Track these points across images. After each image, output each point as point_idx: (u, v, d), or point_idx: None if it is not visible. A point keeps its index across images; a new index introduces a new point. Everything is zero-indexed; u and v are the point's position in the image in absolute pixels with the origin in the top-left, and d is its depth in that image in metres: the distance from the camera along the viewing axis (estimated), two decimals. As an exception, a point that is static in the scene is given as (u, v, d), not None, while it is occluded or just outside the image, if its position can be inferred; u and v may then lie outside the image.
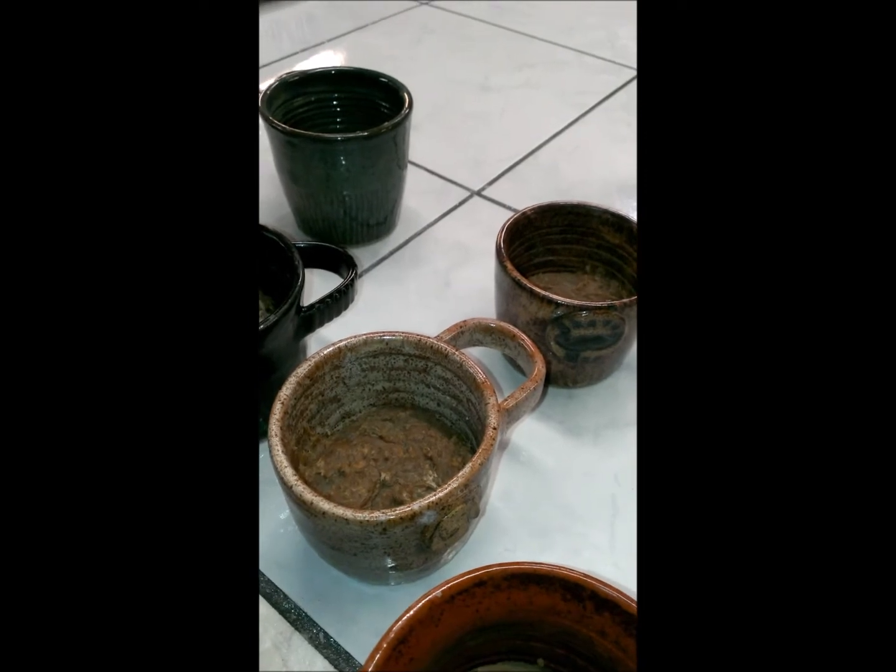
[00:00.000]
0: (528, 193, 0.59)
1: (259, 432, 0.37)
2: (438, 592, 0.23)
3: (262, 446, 0.38)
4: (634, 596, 0.23)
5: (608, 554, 0.34)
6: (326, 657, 0.30)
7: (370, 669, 0.21)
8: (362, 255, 0.52)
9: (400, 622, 0.22)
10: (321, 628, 0.31)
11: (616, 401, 0.42)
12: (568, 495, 0.37)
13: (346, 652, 0.31)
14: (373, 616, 0.32)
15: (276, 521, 0.35)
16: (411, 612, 0.22)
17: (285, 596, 0.32)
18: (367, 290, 0.49)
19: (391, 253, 0.53)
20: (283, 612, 0.32)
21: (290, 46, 0.83)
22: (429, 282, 0.50)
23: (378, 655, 0.22)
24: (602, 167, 0.62)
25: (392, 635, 0.22)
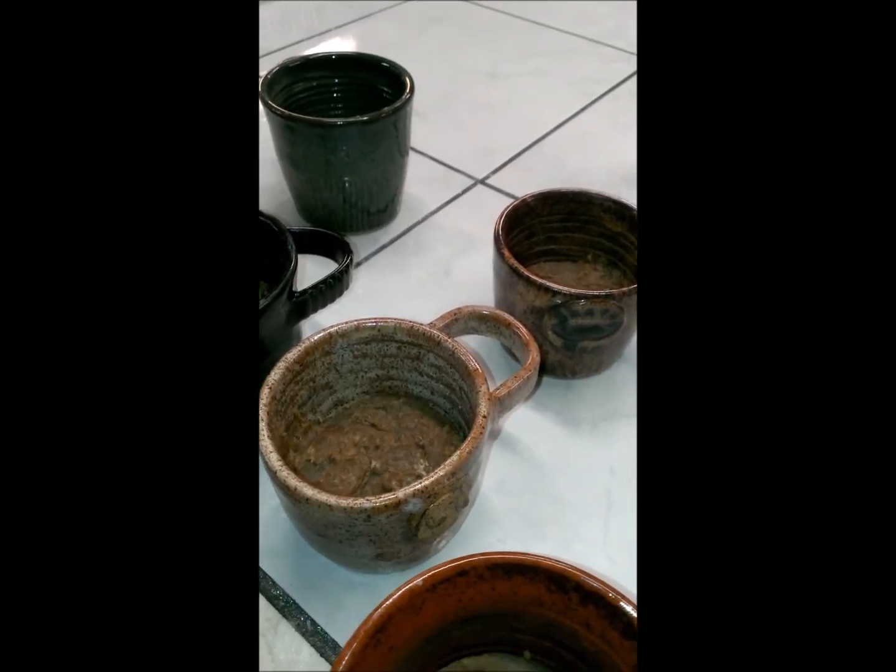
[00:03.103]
0: (533, 182, 0.58)
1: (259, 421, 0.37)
2: (419, 581, 0.23)
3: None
4: (623, 589, 0.22)
5: (601, 547, 0.34)
6: (313, 645, 0.30)
7: (347, 658, 0.21)
8: (362, 243, 0.52)
9: (379, 610, 0.22)
10: (308, 616, 0.31)
11: (614, 392, 0.41)
12: (562, 487, 0.36)
13: (333, 640, 0.30)
14: (361, 604, 0.31)
15: (266, 508, 0.35)
16: (390, 601, 0.22)
17: (274, 583, 0.32)
18: (367, 278, 0.49)
19: (392, 241, 0.52)
20: (271, 599, 0.32)
21: (297, 34, 0.82)
22: (429, 270, 0.50)
23: (356, 644, 0.21)
24: (608, 156, 0.61)
25: (370, 624, 0.22)
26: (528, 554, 0.23)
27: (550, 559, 0.23)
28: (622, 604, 0.22)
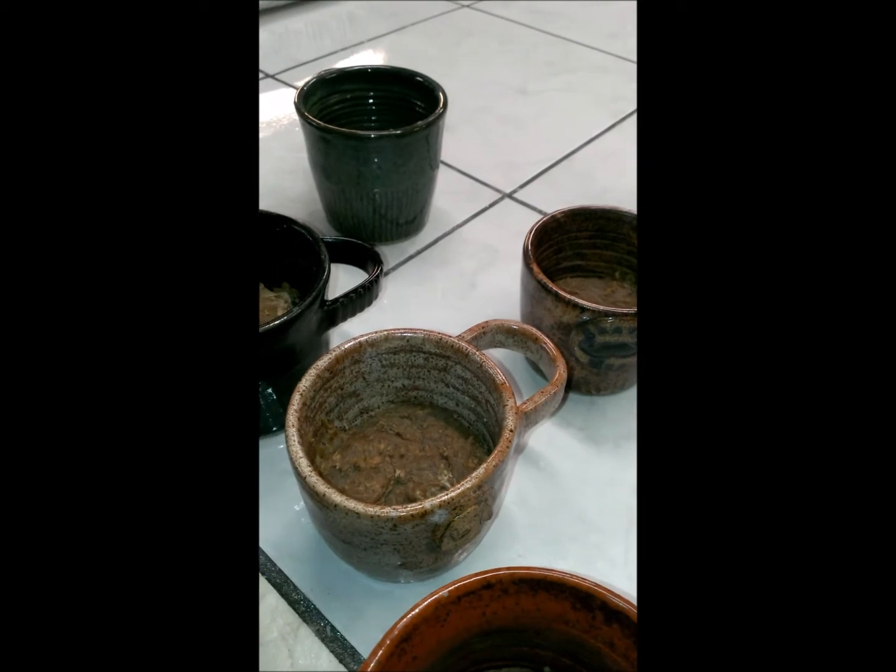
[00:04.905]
0: (561, 197, 0.58)
1: (268, 423, 0.37)
2: (445, 592, 0.23)
3: (281, 438, 0.38)
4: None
5: (622, 566, 0.34)
6: (332, 651, 0.30)
7: (372, 665, 0.21)
8: (390, 253, 0.52)
9: (404, 620, 0.22)
10: (329, 622, 0.31)
11: (639, 411, 0.41)
12: (584, 504, 0.36)
13: (352, 647, 0.31)
14: (381, 612, 0.32)
15: (290, 513, 0.35)
16: (416, 611, 0.22)
17: (295, 587, 0.32)
18: (393, 288, 0.49)
19: (419, 252, 0.53)
20: (292, 604, 0.32)
21: (330, 45, 0.84)
22: (455, 282, 0.50)
23: (381, 652, 0.21)
24: (636, 175, 0.61)
25: (396, 632, 0.22)
26: (554, 570, 0.23)
27: (576, 576, 0.23)
28: (648, 624, 0.22)
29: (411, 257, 0.52)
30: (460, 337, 0.34)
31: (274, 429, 0.38)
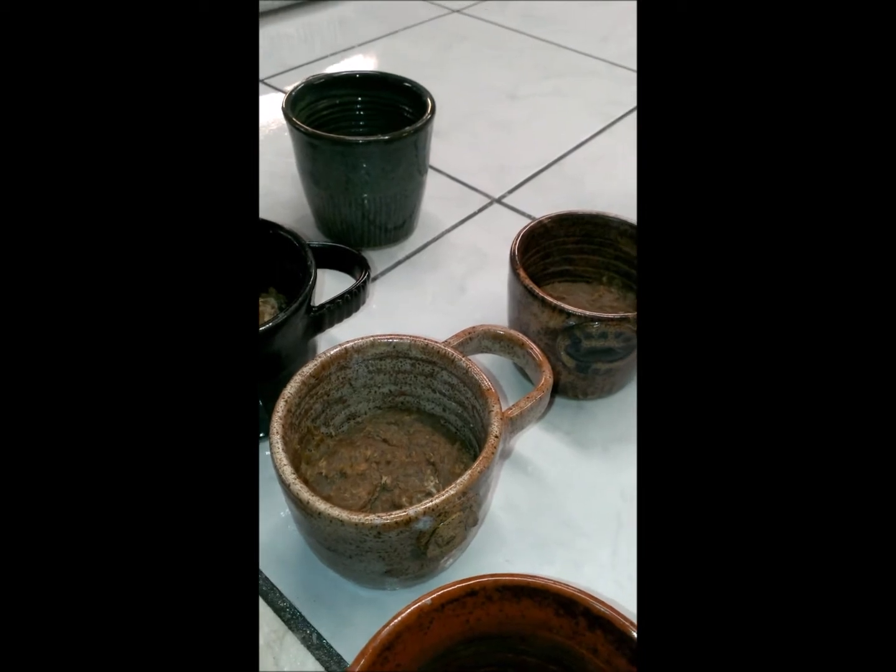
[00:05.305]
0: (550, 202, 0.58)
1: (259, 428, 0.37)
2: (428, 600, 0.23)
3: (267, 444, 0.38)
4: (631, 615, 0.22)
5: (610, 571, 0.34)
6: (318, 658, 0.30)
7: (354, 674, 0.21)
8: (379, 259, 0.52)
9: (387, 627, 0.22)
10: (314, 629, 0.31)
11: (627, 415, 0.41)
12: (572, 509, 0.36)
13: (338, 654, 0.30)
14: (367, 619, 0.31)
15: (276, 519, 0.35)
16: (399, 619, 0.22)
17: (281, 594, 0.32)
18: (382, 294, 0.49)
19: (408, 257, 0.53)
20: (278, 611, 0.32)
21: (321, 50, 0.84)
22: (444, 287, 0.50)
23: (363, 661, 0.21)
24: (626, 178, 0.62)
25: (378, 641, 0.22)
26: (538, 577, 0.23)
27: (560, 582, 0.23)
28: (630, 630, 0.22)
29: (400, 262, 0.52)
30: (446, 343, 0.34)
31: (260, 435, 0.38)
